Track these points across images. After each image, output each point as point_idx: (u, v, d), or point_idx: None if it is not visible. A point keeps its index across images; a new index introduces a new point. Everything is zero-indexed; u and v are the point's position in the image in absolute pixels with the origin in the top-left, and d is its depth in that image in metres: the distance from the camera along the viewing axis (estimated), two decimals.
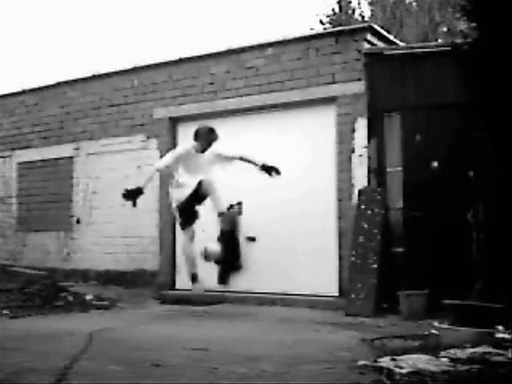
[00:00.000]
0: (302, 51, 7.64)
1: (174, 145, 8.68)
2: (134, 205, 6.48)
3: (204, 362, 3.78)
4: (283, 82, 7.75)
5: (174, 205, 6.73)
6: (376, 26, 7.52)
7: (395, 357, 3.66)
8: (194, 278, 6.70)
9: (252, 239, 7.90)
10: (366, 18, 19.08)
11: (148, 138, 8.87)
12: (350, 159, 7.20)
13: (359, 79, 7.19)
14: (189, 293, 7.99)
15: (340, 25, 16.13)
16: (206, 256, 6.62)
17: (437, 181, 6.67)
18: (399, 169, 6.97)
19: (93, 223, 9.41)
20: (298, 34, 7.89)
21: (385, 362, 3.57)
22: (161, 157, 8.61)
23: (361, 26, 8.07)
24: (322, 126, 7.54)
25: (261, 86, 7.91)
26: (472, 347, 3.86)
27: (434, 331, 4.76)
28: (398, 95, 7.01)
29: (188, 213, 6.64)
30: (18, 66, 32.84)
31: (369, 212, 6.90)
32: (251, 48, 8.05)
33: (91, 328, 5.14)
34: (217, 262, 6.78)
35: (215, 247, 6.61)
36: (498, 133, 5.29)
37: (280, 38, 7.89)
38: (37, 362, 3.68)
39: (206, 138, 6.66)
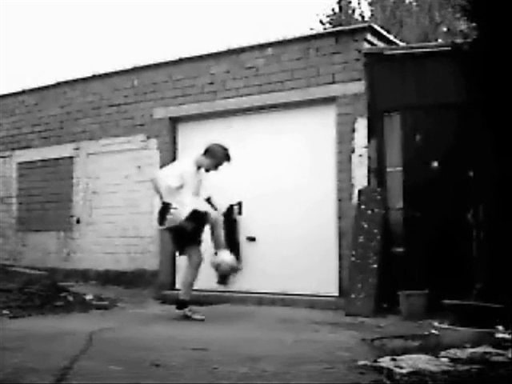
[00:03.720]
0: (302, 51, 7.64)
1: (174, 145, 8.70)
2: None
3: (204, 362, 3.78)
4: (283, 82, 7.75)
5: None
6: (376, 26, 7.53)
7: (395, 357, 3.66)
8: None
9: (252, 239, 7.90)
10: (366, 18, 19.10)
11: (148, 137, 8.87)
12: (349, 159, 7.20)
13: (359, 79, 7.19)
14: None
15: (340, 25, 16.15)
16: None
17: (437, 181, 6.67)
18: (399, 169, 6.97)
19: (93, 223, 9.42)
20: (298, 34, 7.90)
21: (385, 362, 3.57)
22: (161, 157, 8.65)
23: (361, 25, 8.07)
24: (322, 126, 7.54)
25: (261, 86, 7.91)
26: (472, 347, 3.86)
27: (433, 331, 4.75)
28: (398, 95, 7.01)
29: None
30: (18, 65, 32.88)
31: (369, 212, 6.90)
32: (251, 48, 8.05)
33: (91, 328, 5.14)
34: None
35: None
36: (498, 133, 5.30)
37: (280, 38, 7.89)
38: (37, 362, 3.68)
39: (220, 160, 6.28)
